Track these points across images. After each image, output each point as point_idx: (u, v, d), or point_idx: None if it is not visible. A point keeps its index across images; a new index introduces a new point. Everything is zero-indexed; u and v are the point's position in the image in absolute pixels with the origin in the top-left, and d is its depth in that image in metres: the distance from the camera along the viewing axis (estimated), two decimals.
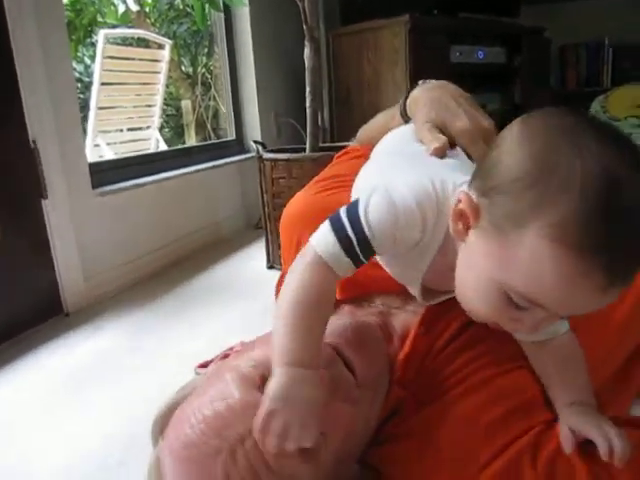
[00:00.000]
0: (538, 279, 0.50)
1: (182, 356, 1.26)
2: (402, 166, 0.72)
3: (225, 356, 0.77)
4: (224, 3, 2.32)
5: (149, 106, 3.20)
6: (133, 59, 3.04)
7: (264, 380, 0.60)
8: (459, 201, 0.56)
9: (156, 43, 3.20)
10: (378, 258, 0.72)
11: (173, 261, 2.03)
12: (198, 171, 2.23)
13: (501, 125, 0.60)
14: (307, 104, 1.90)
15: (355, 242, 0.59)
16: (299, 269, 0.61)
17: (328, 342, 0.66)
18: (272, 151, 1.93)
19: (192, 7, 2.48)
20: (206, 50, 3.87)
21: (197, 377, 0.74)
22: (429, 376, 0.73)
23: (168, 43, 3.16)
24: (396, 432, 0.71)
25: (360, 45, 2.58)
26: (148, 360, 1.30)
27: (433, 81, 0.93)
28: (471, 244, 0.56)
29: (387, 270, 0.73)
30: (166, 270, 1.96)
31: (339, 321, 0.72)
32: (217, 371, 0.68)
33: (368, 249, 0.60)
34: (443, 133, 0.77)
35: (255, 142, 1.93)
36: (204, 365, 0.78)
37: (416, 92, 0.91)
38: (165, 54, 3.12)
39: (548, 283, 0.49)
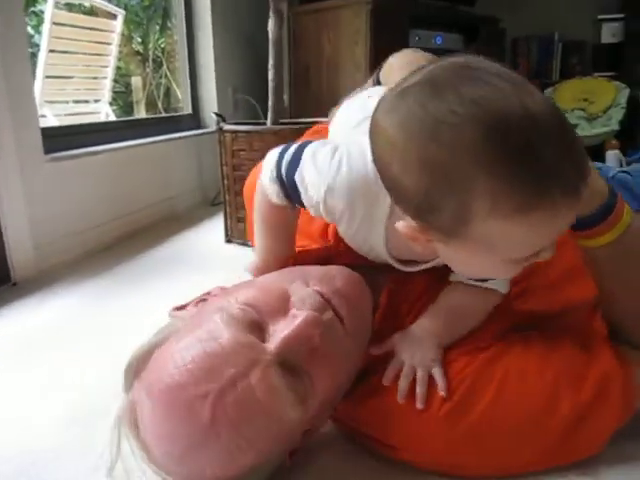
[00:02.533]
0: (519, 242, 0.53)
1: (137, 325, 1.20)
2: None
3: (202, 300, 0.74)
4: None
5: (98, 78, 3.08)
6: (83, 27, 2.91)
7: (253, 324, 0.60)
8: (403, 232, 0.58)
9: (108, 12, 3.08)
10: (345, 238, 0.76)
11: (127, 234, 1.96)
12: (153, 143, 2.16)
13: None
14: (270, 77, 1.87)
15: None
16: (258, 199, 0.79)
17: (317, 289, 0.65)
18: (233, 123, 1.90)
19: None
20: (157, 27, 3.75)
21: (173, 320, 0.71)
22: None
23: (121, 13, 3.03)
24: (377, 387, 0.72)
25: (320, 24, 2.56)
26: (100, 328, 1.25)
27: (406, 49, 0.96)
28: (445, 250, 0.59)
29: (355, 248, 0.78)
30: (120, 242, 1.89)
31: (326, 268, 0.71)
32: (201, 312, 0.66)
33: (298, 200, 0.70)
34: None
35: (215, 114, 1.89)
36: (180, 308, 0.76)
37: (391, 59, 0.95)
38: (117, 25, 3.00)
39: (527, 239, 0.53)
